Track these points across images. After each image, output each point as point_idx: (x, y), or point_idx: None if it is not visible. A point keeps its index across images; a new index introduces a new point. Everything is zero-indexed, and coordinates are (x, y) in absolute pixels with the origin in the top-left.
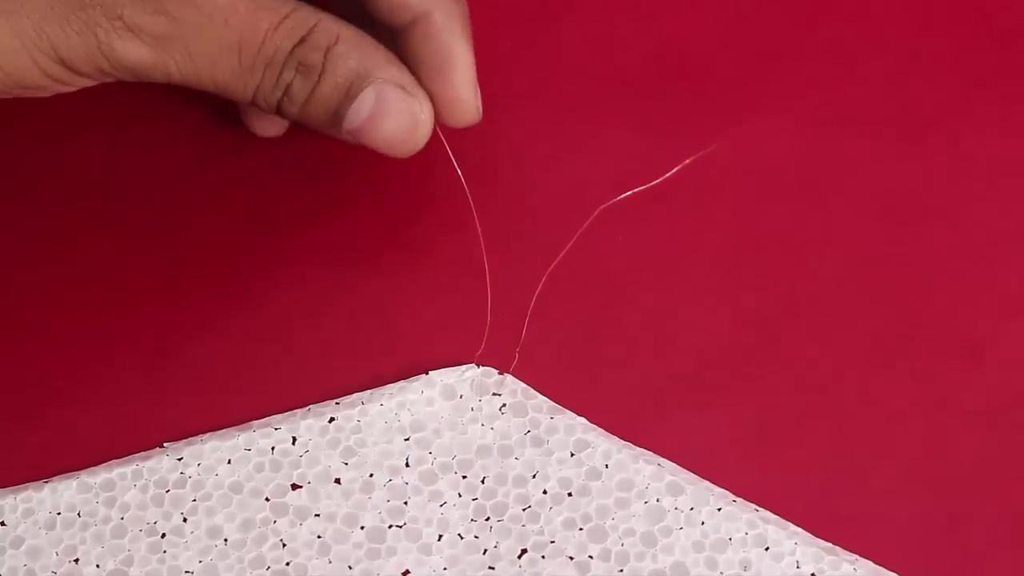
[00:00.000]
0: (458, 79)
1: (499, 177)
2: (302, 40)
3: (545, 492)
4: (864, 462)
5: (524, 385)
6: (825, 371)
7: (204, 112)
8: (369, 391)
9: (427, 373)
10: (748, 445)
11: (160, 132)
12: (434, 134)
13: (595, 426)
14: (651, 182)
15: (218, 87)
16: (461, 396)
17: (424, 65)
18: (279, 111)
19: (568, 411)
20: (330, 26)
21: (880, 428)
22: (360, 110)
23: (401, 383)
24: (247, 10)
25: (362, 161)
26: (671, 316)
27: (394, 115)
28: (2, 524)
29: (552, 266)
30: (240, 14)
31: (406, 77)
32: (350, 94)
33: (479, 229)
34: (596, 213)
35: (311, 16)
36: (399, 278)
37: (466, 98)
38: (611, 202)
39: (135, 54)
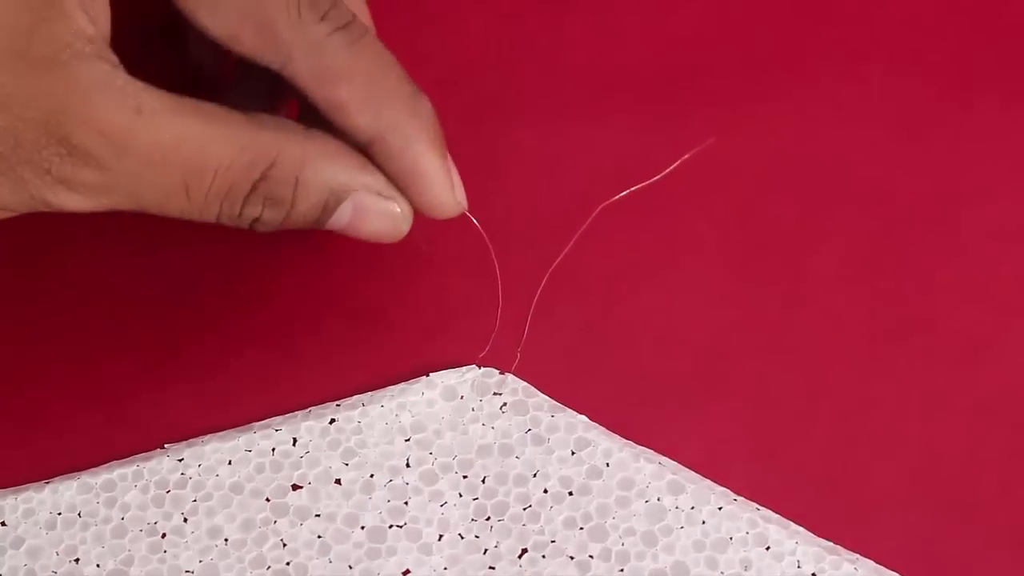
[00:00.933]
0: (429, 188)
1: (499, 177)
2: (264, 176)
3: (546, 491)
4: (865, 461)
5: (525, 384)
6: (825, 371)
7: None
8: (370, 393)
9: (428, 375)
10: (749, 444)
11: None
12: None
13: (596, 424)
14: (651, 179)
15: (173, 215)
16: (462, 397)
17: (393, 179)
18: (255, 227)
19: (569, 409)
20: (293, 153)
21: (880, 428)
22: (339, 219)
23: (402, 385)
24: (192, 148)
25: None
26: (672, 315)
27: (373, 219)
28: (3, 524)
29: (553, 266)
30: (184, 153)
31: (380, 181)
32: (327, 209)
33: (486, 236)
34: (597, 211)
35: (270, 146)
36: (400, 279)
37: (442, 203)
38: (611, 200)
39: (72, 203)
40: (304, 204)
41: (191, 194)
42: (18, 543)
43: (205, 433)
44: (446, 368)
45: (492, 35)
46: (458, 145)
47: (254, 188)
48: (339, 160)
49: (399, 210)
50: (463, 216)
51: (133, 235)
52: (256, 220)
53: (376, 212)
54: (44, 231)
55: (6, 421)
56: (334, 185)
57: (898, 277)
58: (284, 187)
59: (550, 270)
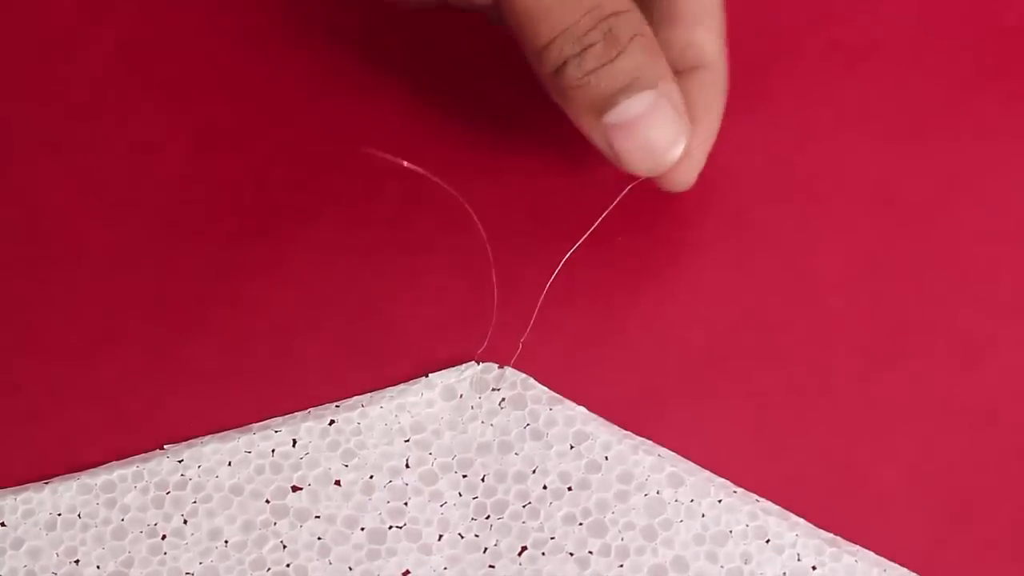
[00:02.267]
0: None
1: (496, 174)
2: (618, 12)
3: (545, 487)
4: (865, 456)
5: (523, 376)
6: (825, 371)
7: (203, 111)
8: (369, 394)
9: (427, 375)
10: (748, 443)
11: (158, 132)
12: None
13: (594, 416)
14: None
15: (535, 6)
16: (461, 396)
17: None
18: (562, 71)
19: (568, 400)
20: (641, 17)
21: (880, 428)
22: (632, 107)
23: (401, 386)
24: None
25: (364, 166)
26: (671, 315)
27: (661, 126)
28: (2, 525)
29: (561, 264)
30: None
31: (680, 100)
32: (634, 87)
33: (483, 233)
34: (622, 195)
35: (631, 0)
36: (399, 277)
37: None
38: (624, 193)
39: None
40: (627, 61)
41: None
42: (18, 544)
43: (205, 434)
44: (445, 365)
45: (491, 32)
46: (454, 143)
47: (607, 18)
48: (662, 58)
49: (682, 133)
50: (460, 208)
51: (133, 235)
52: (586, 51)
53: (668, 121)
54: (44, 229)
55: (6, 421)
56: (653, 68)
57: (898, 277)
58: (626, 31)
59: (562, 261)
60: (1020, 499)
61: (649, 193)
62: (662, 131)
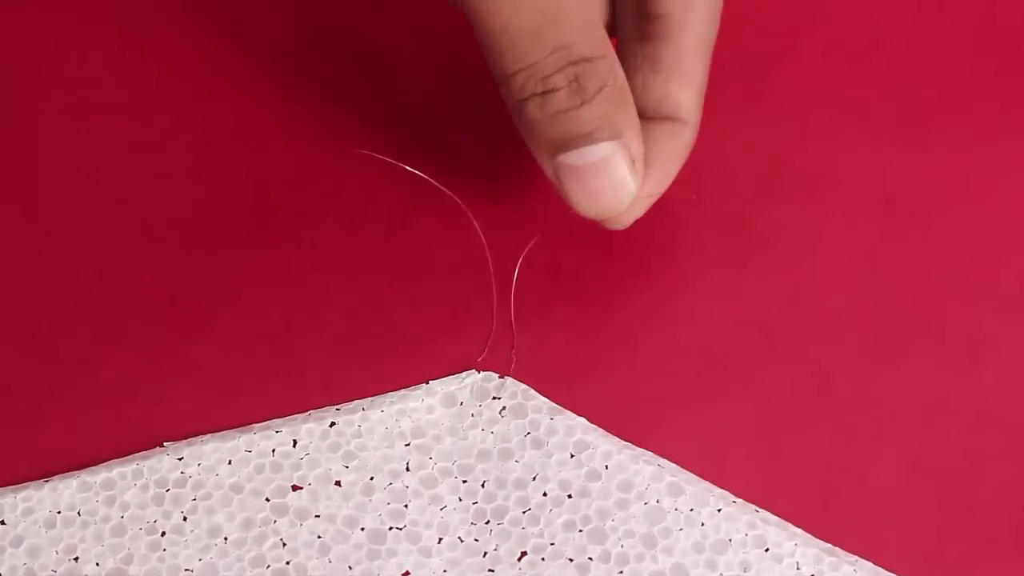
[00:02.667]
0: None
1: (498, 178)
2: (589, 59)
3: (545, 494)
4: (864, 462)
5: (524, 386)
6: (825, 371)
7: (203, 112)
8: (369, 398)
9: (427, 383)
10: (748, 445)
11: (159, 132)
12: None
13: (595, 427)
14: None
15: (502, 33)
16: (461, 403)
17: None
18: (523, 105)
19: (568, 411)
20: (614, 65)
21: (880, 428)
22: (588, 155)
23: (402, 391)
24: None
25: (364, 167)
26: (671, 316)
27: (612, 178)
28: (2, 523)
29: (521, 257)
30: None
31: (641, 153)
32: (594, 137)
33: (483, 238)
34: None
35: (607, 46)
36: (399, 279)
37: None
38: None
39: None
40: (591, 111)
41: (543, 28)
42: (18, 542)
43: (205, 433)
44: (446, 370)
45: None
46: (453, 146)
47: (577, 63)
48: (631, 108)
49: (632, 188)
50: (459, 211)
51: (133, 235)
52: (550, 94)
53: (620, 175)
54: (44, 229)
55: (6, 421)
56: (617, 118)
57: (898, 277)
58: (594, 81)
59: (519, 261)
60: (1020, 503)
61: None
62: (612, 182)
